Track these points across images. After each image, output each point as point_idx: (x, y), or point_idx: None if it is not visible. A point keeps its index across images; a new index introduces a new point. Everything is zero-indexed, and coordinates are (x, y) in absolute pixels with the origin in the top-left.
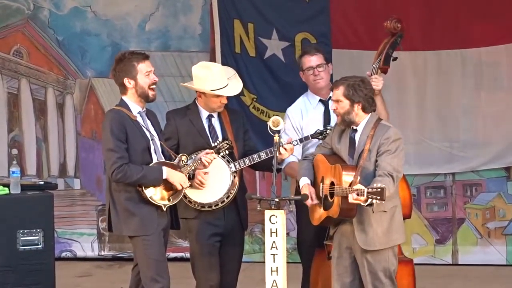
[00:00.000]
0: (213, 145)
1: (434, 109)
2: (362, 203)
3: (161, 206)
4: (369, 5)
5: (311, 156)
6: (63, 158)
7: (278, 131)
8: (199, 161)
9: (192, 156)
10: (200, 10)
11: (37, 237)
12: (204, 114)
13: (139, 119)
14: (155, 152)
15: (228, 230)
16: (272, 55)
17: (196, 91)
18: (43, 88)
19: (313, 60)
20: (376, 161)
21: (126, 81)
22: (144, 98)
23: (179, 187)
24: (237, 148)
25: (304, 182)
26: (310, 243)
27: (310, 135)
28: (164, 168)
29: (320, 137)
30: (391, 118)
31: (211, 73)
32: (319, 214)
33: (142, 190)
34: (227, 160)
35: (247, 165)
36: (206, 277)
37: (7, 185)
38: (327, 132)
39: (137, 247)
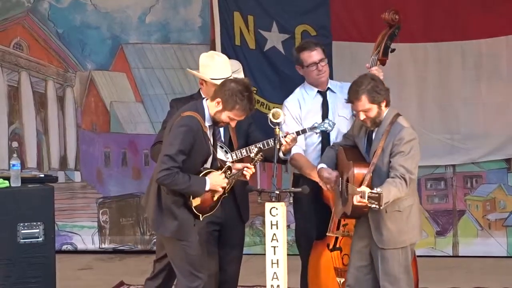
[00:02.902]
0: (250, 156)
1: (434, 101)
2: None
3: (199, 216)
4: None
5: (336, 146)
6: (63, 151)
7: (279, 123)
8: (240, 173)
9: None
10: (200, 2)
11: (37, 230)
12: None
13: (208, 131)
14: (206, 162)
15: (226, 220)
16: (272, 47)
17: (199, 80)
18: (43, 81)
19: (314, 55)
20: (390, 161)
21: (217, 100)
22: (213, 122)
23: (220, 190)
24: (237, 140)
25: (320, 166)
26: (309, 235)
27: (308, 128)
28: (208, 181)
29: (316, 130)
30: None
31: (214, 62)
32: (339, 208)
33: (190, 199)
34: (225, 151)
35: (244, 156)
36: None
37: (7, 178)
38: (324, 126)
39: (173, 246)
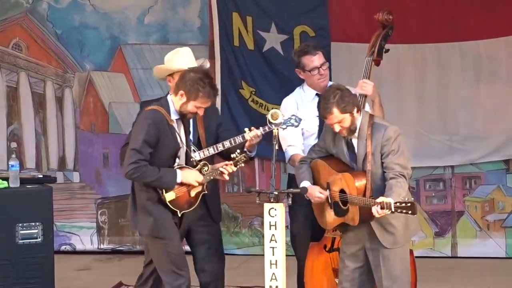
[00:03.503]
0: (232, 156)
1: (433, 102)
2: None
3: (177, 212)
4: None
5: (308, 160)
6: (62, 151)
7: (277, 124)
8: (218, 172)
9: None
10: (199, 3)
11: (36, 231)
12: None
13: (174, 124)
14: (179, 158)
15: (195, 221)
16: (271, 48)
17: (167, 79)
18: (42, 82)
19: (316, 59)
20: (383, 163)
21: (180, 93)
22: (181, 115)
23: (195, 184)
24: (205, 140)
25: (306, 185)
26: (304, 236)
27: (274, 124)
28: (178, 172)
29: (282, 126)
30: (390, 111)
31: (178, 55)
32: (331, 219)
33: (163, 193)
34: (193, 150)
35: (211, 154)
36: None
37: (6, 179)
38: (291, 121)
39: (153, 244)
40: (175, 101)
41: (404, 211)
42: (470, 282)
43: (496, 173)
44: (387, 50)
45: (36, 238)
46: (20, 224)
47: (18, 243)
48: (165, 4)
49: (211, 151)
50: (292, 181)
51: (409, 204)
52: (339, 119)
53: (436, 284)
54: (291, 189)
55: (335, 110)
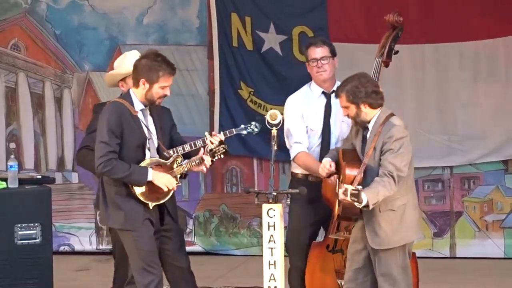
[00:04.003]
0: (210, 147)
1: (432, 102)
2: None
3: (148, 204)
4: None
5: (338, 149)
6: (61, 152)
7: (276, 125)
8: (195, 162)
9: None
10: (198, 3)
11: (35, 231)
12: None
13: (140, 115)
14: (149, 150)
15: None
16: (270, 48)
17: (120, 84)
18: (41, 82)
19: (318, 52)
20: (381, 159)
21: (142, 81)
22: (150, 103)
23: (165, 189)
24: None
25: (326, 159)
26: (301, 236)
27: (235, 129)
28: (150, 171)
29: (243, 132)
30: None
31: (126, 58)
32: (336, 210)
33: (132, 186)
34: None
35: (172, 156)
36: None
37: (4, 179)
38: (251, 127)
39: (125, 239)
40: (138, 93)
41: (353, 198)
42: (468, 282)
43: (495, 174)
44: (396, 52)
45: (35, 238)
46: (19, 225)
47: (17, 243)
48: (164, 5)
49: (171, 153)
50: (295, 179)
51: (356, 192)
52: (345, 105)
53: (435, 284)
54: (290, 189)
55: (343, 96)
